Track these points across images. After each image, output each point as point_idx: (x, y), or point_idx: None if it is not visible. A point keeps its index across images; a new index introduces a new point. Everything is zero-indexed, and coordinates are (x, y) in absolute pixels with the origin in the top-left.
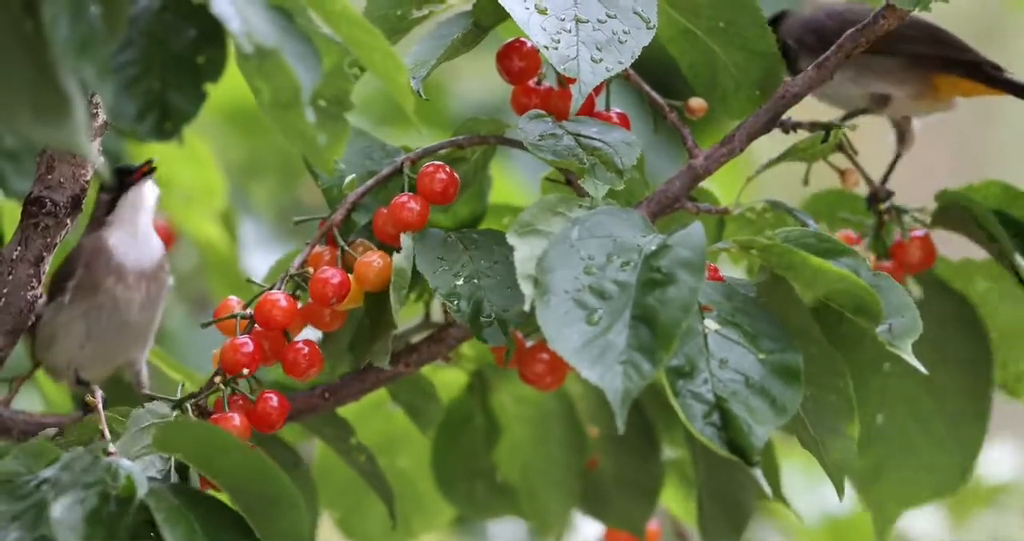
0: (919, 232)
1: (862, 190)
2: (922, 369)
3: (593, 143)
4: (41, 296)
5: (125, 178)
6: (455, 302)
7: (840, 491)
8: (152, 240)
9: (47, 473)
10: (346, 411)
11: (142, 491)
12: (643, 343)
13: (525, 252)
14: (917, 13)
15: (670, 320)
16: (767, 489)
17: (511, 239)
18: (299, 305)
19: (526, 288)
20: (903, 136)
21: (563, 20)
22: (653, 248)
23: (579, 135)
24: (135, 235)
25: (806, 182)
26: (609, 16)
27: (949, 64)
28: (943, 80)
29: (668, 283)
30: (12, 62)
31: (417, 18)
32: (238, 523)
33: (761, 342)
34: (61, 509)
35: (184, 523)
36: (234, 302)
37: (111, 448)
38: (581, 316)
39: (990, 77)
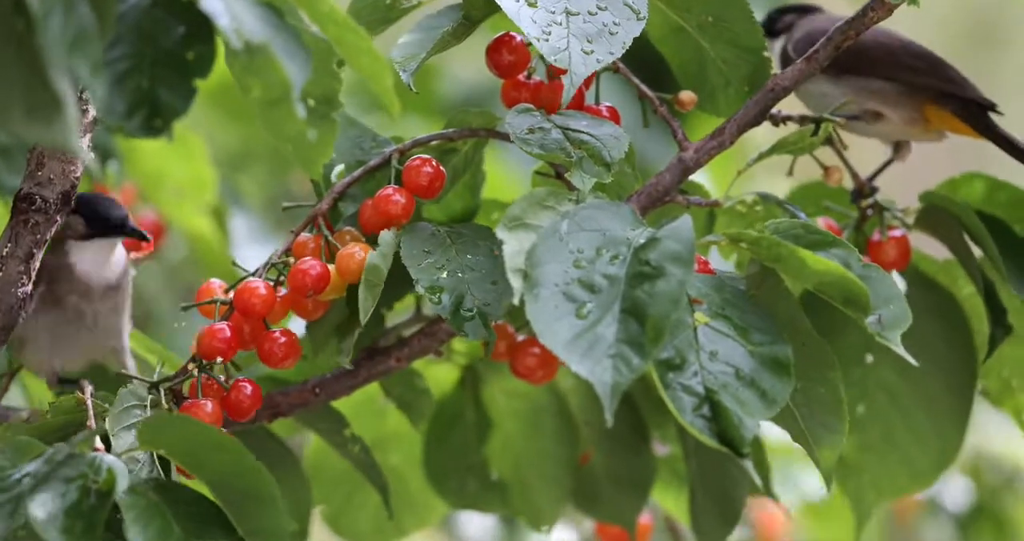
0: (897, 232)
1: (849, 183)
2: (911, 360)
3: (581, 137)
4: (31, 292)
5: (108, 222)
6: (436, 295)
7: (828, 484)
8: (116, 256)
9: (30, 467)
10: (337, 407)
11: (123, 485)
12: (632, 336)
13: (514, 246)
14: (911, 32)
15: (659, 313)
16: (758, 481)
17: (500, 233)
18: (283, 292)
19: (515, 282)
20: (899, 147)
21: (553, 12)
22: (642, 241)
23: (567, 129)
24: (100, 256)
25: (790, 173)
26: (599, 8)
27: (942, 97)
28: (934, 112)
29: (657, 276)
30: (3, 60)
31: (406, 7)
32: (219, 519)
33: (751, 335)
34: (40, 503)
35: (159, 519)
36: (216, 285)
37: (98, 443)
38: (570, 310)
39: (980, 123)
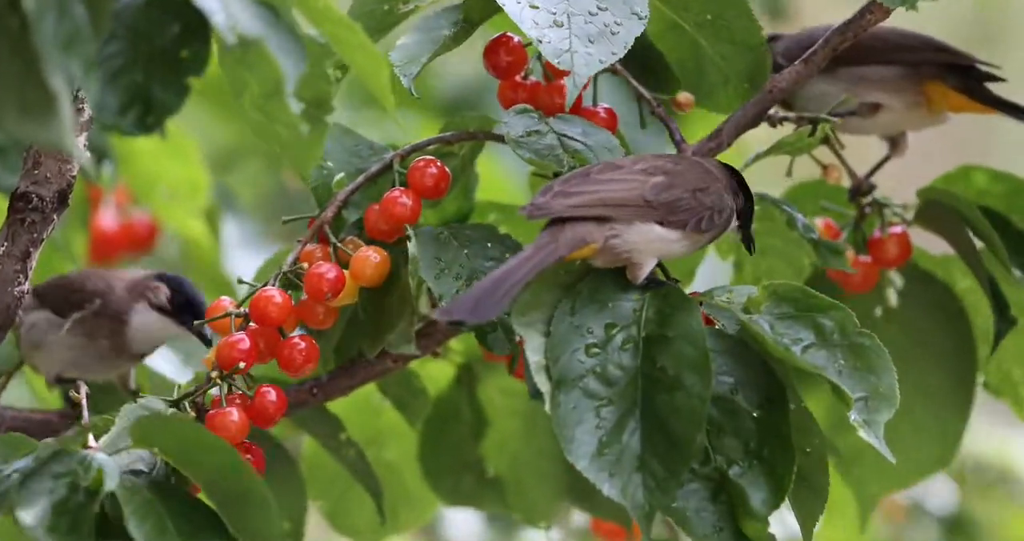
0: (897, 228)
1: (847, 182)
2: (890, 458)
3: (575, 145)
4: (29, 291)
5: (195, 310)
6: None
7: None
8: (164, 335)
9: (20, 464)
10: (334, 405)
11: (111, 484)
12: (658, 450)
13: (535, 341)
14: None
15: (685, 434)
16: None
17: (516, 328)
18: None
19: (543, 384)
20: (895, 143)
21: (555, 13)
22: (651, 316)
23: (563, 135)
24: (156, 333)
25: (789, 173)
26: (600, 9)
27: (943, 70)
28: (935, 89)
29: (676, 388)
30: None
31: (404, 13)
32: (212, 520)
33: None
34: (26, 499)
35: (154, 517)
36: (226, 302)
37: (92, 442)
38: (590, 407)
39: (980, 93)
